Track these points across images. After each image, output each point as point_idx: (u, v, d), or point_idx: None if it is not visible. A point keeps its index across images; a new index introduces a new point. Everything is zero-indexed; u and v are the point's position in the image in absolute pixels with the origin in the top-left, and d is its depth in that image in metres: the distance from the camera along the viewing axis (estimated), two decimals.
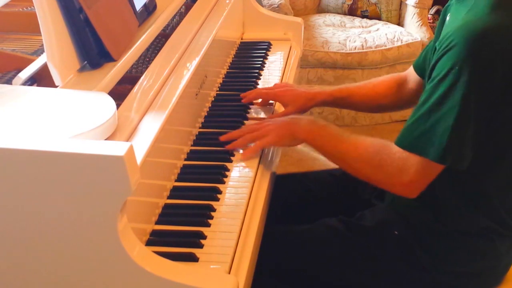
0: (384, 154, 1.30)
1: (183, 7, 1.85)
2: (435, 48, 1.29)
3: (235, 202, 1.30)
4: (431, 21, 3.66)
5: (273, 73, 1.90)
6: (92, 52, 1.30)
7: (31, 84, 1.31)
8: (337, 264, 1.43)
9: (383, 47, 3.21)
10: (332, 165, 1.45)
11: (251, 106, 1.68)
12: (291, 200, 1.63)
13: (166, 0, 1.70)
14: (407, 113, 3.25)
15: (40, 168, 0.97)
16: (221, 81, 1.80)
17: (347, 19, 3.51)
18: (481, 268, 1.41)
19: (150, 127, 1.22)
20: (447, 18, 1.40)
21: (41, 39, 1.21)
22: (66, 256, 1.04)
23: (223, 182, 1.36)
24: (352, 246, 1.43)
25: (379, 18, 3.54)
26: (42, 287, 1.08)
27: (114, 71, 1.30)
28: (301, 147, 1.45)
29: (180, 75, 1.44)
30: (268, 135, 1.43)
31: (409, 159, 1.27)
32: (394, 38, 3.27)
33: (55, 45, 1.22)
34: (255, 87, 1.79)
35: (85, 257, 1.03)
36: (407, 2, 3.44)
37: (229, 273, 1.11)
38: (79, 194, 0.98)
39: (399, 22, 3.53)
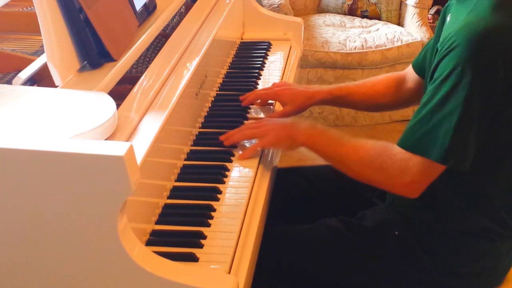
0: (385, 156, 1.30)
1: (183, 7, 1.85)
2: (437, 49, 1.29)
3: (235, 202, 1.30)
4: (431, 21, 3.66)
5: (273, 73, 1.90)
6: (92, 52, 1.30)
7: (31, 84, 1.31)
8: (337, 264, 1.43)
9: (383, 47, 3.21)
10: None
11: (251, 106, 1.68)
12: (292, 194, 1.63)
13: (166, 0, 1.70)
14: (407, 113, 3.26)
15: (40, 168, 0.97)
16: (221, 81, 1.80)
17: (347, 19, 3.51)
18: (481, 269, 1.41)
19: (150, 127, 1.22)
20: (448, 18, 1.40)
21: (41, 39, 1.21)
22: (66, 256, 1.04)
23: (223, 182, 1.36)
24: (352, 246, 1.43)
25: (379, 18, 3.54)
26: (42, 287, 1.08)
27: (114, 71, 1.30)
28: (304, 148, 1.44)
29: (180, 75, 1.44)
30: (267, 136, 1.43)
31: (411, 160, 1.26)
32: (394, 38, 3.27)
33: (55, 45, 1.22)
34: (255, 87, 1.79)
35: (85, 257, 1.03)
36: (407, 2, 3.44)
37: (229, 273, 1.11)
38: (79, 194, 0.98)
39: (399, 22, 3.53)
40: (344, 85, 1.72)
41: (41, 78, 1.32)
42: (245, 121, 1.60)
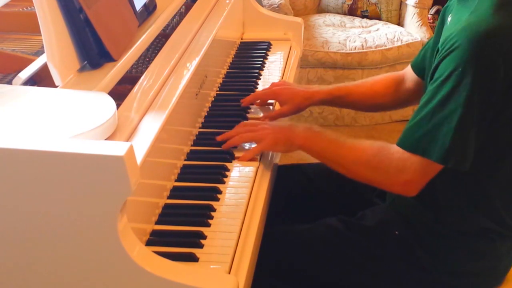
0: (382, 156, 1.31)
1: (183, 7, 1.85)
2: (438, 49, 1.29)
3: (235, 202, 1.30)
4: (431, 21, 3.66)
5: (273, 73, 1.90)
6: (92, 52, 1.30)
7: (31, 84, 1.31)
8: (337, 264, 1.43)
9: (383, 47, 3.21)
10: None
11: (251, 106, 1.68)
12: (292, 191, 1.63)
13: (166, 0, 1.70)
14: (407, 113, 3.26)
15: (40, 168, 0.97)
16: (221, 81, 1.80)
17: (347, 19, 3.51)
18: (481, 268, 1.41)
19: (150, 127, 1.22)
20: (449, 19, 1.40)
21: (41, 39, 1.21)
22: (66, 256, 1.04)
23: (223, 182, 1.36)
24: (352, 246, 1.43)
25: (379, 18, 3.54)
26: (42, 287, 1.08)
27: (114, 71, 1.30)
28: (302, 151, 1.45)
29: (180, 75, 1.44)
30: (265, 140, 1.43)
31: (409, 159, 1.27)
32: (394, 38, 3.27)
33: (55, 45, 1.22)
34: (255, 87, 1.79)
35: (85, 257, 1.03)
36: (407, 2, 3.44)
37: (229, 273, 1.11)
38: (79, 194, 0.98)
39: (399, 22, 3.53)
40: (343, 85, 1.72)
41: (41, 78, 1.32)
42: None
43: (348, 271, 1.43)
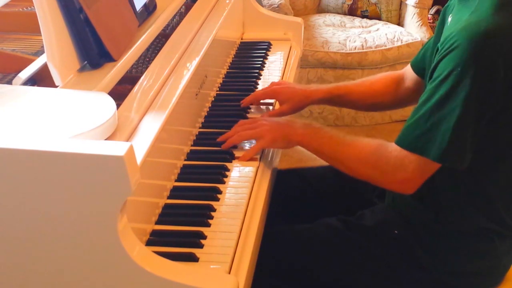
0: (381, 154, 1.31)
1: (183, 7, 1.85)
2: (437, 49, 1.29)
3: (235, 202, 1.30)
4: (431, 21, 3.66)
5: (273, 73, 1.90)
6: (92, 52, 1.30)
7: (31, 84, 1.31)
8: (337, 263, 1.43)
9: (383, 47, 3.21)
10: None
11: (251, 106, 1.68)
12: (292, 195, 1.63)
13: (166, 0, 1.70)
14: (407, 113, 3.25)
15: (40, 168, 0.97)
16: (221, 81, 1.80)
17: (347, 19, 3.51)
18: (481, 268, 1.42)
19: (150, 127, 1.22)
20: (449, 18, 1.40)
21: (41, 39, 1.21)
22: (66, 256, 1.04)
23: (223, 182, 1.36)
24: (352, 246, 1.43)
25: (379, 18, 3.54)
26: (42, 287, 1.08)
27: (114, 71, 1.30)
28: (301, 147, 1.45)
29: (180, 75, 1.44)
30: (264, 137, 1.43)
31: (407, 157, 1.27)
32: (394, 38, 3.27)
33: (55, 45, 1.22)
34: (255, 87, 1.79)
35: (85, 257, 1.03)
36: (407, 2, 3.44)
37: (229, 273, 1.11)
38: (79, 194, 0.98)
39: (399, 22, 3.53)
40: (342, 84, 1.72)
41: (41, 78, 1.32)
42: None
43: (348, 271, 1.43)
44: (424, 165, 1.27)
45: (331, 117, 3.28)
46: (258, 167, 1.43)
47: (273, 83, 1.71)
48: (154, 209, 1.25)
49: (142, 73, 1.41)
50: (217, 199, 1.30)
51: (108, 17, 1.35)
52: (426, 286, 1.41)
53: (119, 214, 0.98)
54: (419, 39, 3.29)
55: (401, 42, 3.25)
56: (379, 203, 1.54)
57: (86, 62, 1.30)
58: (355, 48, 3.19)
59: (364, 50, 3.19)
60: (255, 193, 1.35)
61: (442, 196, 1.36)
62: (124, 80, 1.35)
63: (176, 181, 1.35)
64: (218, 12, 1.84)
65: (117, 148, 0.95)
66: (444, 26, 1.42)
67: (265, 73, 1.90)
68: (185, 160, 1.43)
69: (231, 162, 1.43)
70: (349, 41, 3.23)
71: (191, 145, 1.48)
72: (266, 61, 1.96)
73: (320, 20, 3.49)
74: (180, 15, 1.82)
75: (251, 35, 2.13)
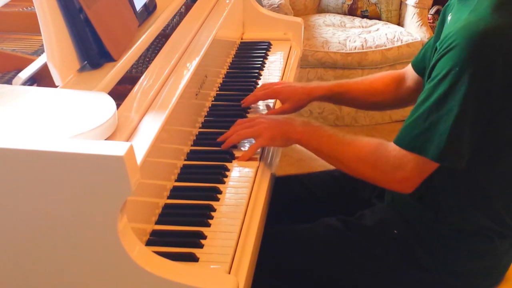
0: (380, 153, 1.31)
1: (183, 7, 1.85)
2: (436, 48, 1.29)
3: (235, 202, 1.30)
4: (431, 21, 3.66)
5: (273, 73, 1.90)
6: (92, 52, 1.30)
7: (31, 84, 1.31)
8: (337, 263, 1.43)
9: (383, 47, 3.21)
10: (331, 166, 1.45)
11: (251, 106, 1.68)
12: (291, 198, 1.63)
13: (166, 0, 1.70)
14: (407, 113, 3.25)
15: (40, 168, 0.97)
16: (221, 81, 1.80)
17: (347, 19, 3.51)
18: (480, 268, 1.42)
19: (150, 127, 1.22)
20: (449, 18, 1.40)
21: (41, 39, 1.21)
22: (66, 256, 1.04)
23: (223, 182, 1.36)
24: (352, 246, 1.43)
25: (379, 18, 3.54)
26: (42, 287, 1.08)
27: (114, 71, 1.30)
28: (301, 147, 1.45)
29: (180, 75, 1.44)
30: (262, 135, 1.43)
31: (406, 157, 1.27)
32: (394, 38, 3.27)
33: (55, 45, 1.22)
34: (255, 87, 1.78)
35: (85, 257, 1.03)
36: (407, 2, 3.44)
37: (229, 273, 1.11)
38: (79, 194, 0.98)
39: (399, 22, 3.53)
40: (343, 82, 1.72)
41: (41, 78, 1.32)
42: None
43: (348, 271, 1.43)
44: (423, 165, 1.27)
45: (331, 117, 3.28)
46: (258, 167, 1.43)
47: (273, 84, 1.71)
48: (154, 209, 1.25)
49: (142, 73, 1.41)
50: (217, 199, 1.30)
51: (108, 17, 1.35)
52: (426, 286, 1.41)
53: (119, 214, 0.98)
54: (419, 39, 3.29)
55: (401, 42, 3.25)
56: (378, 203, 1.54)
57: (86, 62, 1.30)
58: (355, 48, 3.19)
59: (364, 50, 3.19)
60: (255, 193, 1.35)
61: (442, 196, 1.36)
62: (124, 80, 1.35)
63: (176, 181, 1.35)
64: (218, 12, 1.84)
65: (117, 148, 0.95)
66: (444, 26, 1.42)
67: (265, 73, 1.90)
68: (185, 160, 1.43)
69: (231, 162, 1.43)
70: (349, 41, 3.23)
71: (191, 145, 1.48)
72: (266, 61, 1.96)
73: (320, 20, 3.49)
74: (180, 15, 1.82)
75: (251, 35, 2.13)
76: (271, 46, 2.06)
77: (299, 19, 2.19)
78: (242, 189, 1.34)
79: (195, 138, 1.51)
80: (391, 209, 1.47)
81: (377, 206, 1.52)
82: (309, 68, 3.22)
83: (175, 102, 1.32)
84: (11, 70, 1.39)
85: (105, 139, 1.10)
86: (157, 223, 1.24)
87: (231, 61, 1.94)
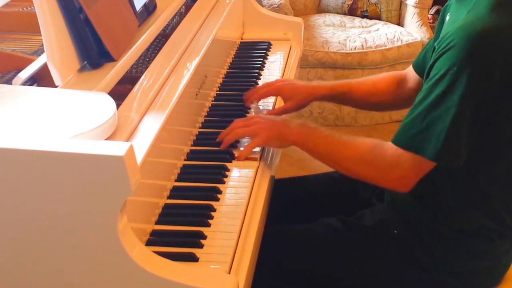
0: (376, 152, 1.31)
1: (183, 7, 1.85)
2: (434, 48, 1.29)
3: (235, 202, 1.30)
4: (431, 21, 3.66)
5: (273, 73, 1.90)
6: (92, 52, 1.30)
7: (31, 84, 1.31)
8: (337, 263, 1.43)
9: (383, 47, 3.22)
10: (330, 168, 1.45)
11: (251, 106, 1.68)
12: (290, 204, 1.63)
13: (166, 0, 1.70)
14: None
15: (40, 168, 0.97)
16: (221, 81, 1.80)
17: (347, 19, 3.52)
18: (480, 268, 1.42)
19: (150, 127, 1.22)
20: (447, 18, 1.40)
21: (41, 39, 1.21)
22: (66, 256, 1.04)
23: (223, 182, 1.36)
24: (352, 246, 1.43)
25: (379, 18, 3.54)
26: (42, 287, 1.08)
27: (114, 71, 1.30)
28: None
29: (180, 75, 1.44)
30: (259, 135, 1.43)
31: (403, 156, 1.27)
32: (394, 38, 3.27)
33: (55, 45, 1.22)
34: (254, 87, 1.78)
35: (85, 257, 1.03)
36: (407, 2, 3.44)
37: (229, 273, 1.11)
38: (79, 194, 0.98)
39: (399, 22, 3.53)
40: (345, 82, 1.72)
41: (41, 78, 1.32)
42: None
43: (348, 271, 1.43)
44: (420, 164, 1.27)
45: (331, 117, 3.28)
46: (258, 167, 1.43)
47: (276, 81, 1.71)
48: (154, 209, 1.25)
49: (142, 73, 1.41)
50: (217, 199, 1.30)
51: (108, 17, 1.35)
52: (426, 286, 1.41)
53: (119, 214, 0.98)
54: (419, 39, 3.29)
55: (401, 42, 3.25)
56: (378, 203, 1.54)
57: (86, 62, 1.30)
58: (355, 48, 3.19)
59: (364, 50, 3.19)
60: (255, 193, 1.35)
61: (442, 196, 1.36)
62: (124, 80, 1.35)
63: (176, 181, 1.35)
64: (218, 12, 1.84)
65: (117, 148, 0.95)
66: (443, 26, 1.42)
67: (265, 73, 1.90)
68: (185, 160, 1.43)
69: (231, 162, 1.43)
70: (349, 41, 3.23)
71: (191, 145, 1.48)
72: (266, 61, 1.97)
73: (320, 20, 3.49)
74: (180, 15, 1.82)
75: (251, 35, 2.13)
76: (271, 46, 2.06)
77: (299, 19, 2.19)
78: (242, 189, 1.34)
79: (195, 138, 1.51)
80: (391, 209, 1.47)
81: (377, 206, 1.52)
82: (309, 68, 3.22)
83: (175, 102, 1.32)
84: (11, 70, 1.39)
85: (105, 139, 1.10)
86: (157, 223, 1.24)
87: (231, 61, 1.94)
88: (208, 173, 1.40)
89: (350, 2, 3.56)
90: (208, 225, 1.22)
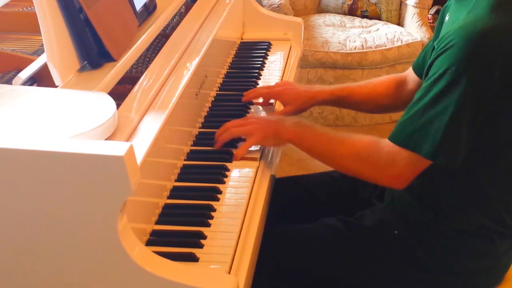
0: (372, 149, 1.31)
1: (183, 7, 1.85)
2: (434, 47, 1.29)
3: (235, 202, 1.30)
4: (431, 21, 3.66)
5: (273, 73, 1.90)
6: (92, 52, 1.30)
7: (31, 84, 1.31)
8: (337, 263, 1.43)
9: (383, 47, 3.22)
10: (329, 167, 1.45)
11: (251, 106, 1.68)
12: (290, 203, 1.63)
13: (166, 0, 1.70)
14: None
15: (40, 168, 0.97)
16: (221, 81, 1.80)
17: (347, 19, 3.52)
18: (481, 268, 1.42)
19: (150, 127, 1.22)
20: (446, 18, 1.40)
21: (41, 39, 1.21)
22: (66, 256, 1.04)
23: (223, 182, 1.36)
24: (352, 246, 1.43)
25: (379, 18, 3.54)
26: (42, 287, 1.08)
27: (114, 71, 1.30)
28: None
29: (180, 75, 1.44)
30: (254, 134, 1.43)
31: (399, 153, 1.27)
32: (394, 38, 3.27)
33: (55, 45, 1.22)
34: (255, 87, 1.78)
35: (85, 257, 1.03)
36: (407, 2, 3.44)
37: (229, 273, 1.11)
38: (79, 194, 0.98)
39: (399, 22, 3.53)
40: (345, 86, 1.72)
41: (41, 78, 1.32)
42: None
43: (348, 271, 1.43)
44: (416, 162, 1.27)
45: (331, 117, 3.28)
46: (258, 167, 1.43)
47: (277, 84, 1.71)
48: (154, 209, 1.25)
49: (142, 73, 1.41)
50: (217, 199, 1.30)
51: (108, 17, 1.35)
52: (426, 286, 1.41)
53: (119, 214, 0.98)
54: (419, 39, 3.29)
55: (401, 42, 3.25)
56: (378, 203, 1.54)
57: (86, 62, 1.30)
58: (355, 48, 3.19)
59: (364, 50, 3.19)
60: (255, 193, 1.35)
61: (442, 196, 1.36)
62: (124, 80, 1.35)
63: (176, 181, 1.35)
64: (218, 12, 1.84)
65: (117, 148, 0.95)
66: (442, 26, 1.43)
67: (265, 73, 1.90)
68: (185, 160, 1.43)
69: (231, 162, 1.43)
70: (349, 41, 3.23)
71: (191, 145, 1.48)
72: (266, 61, 1.96)
73: (320, 20, 3.49)
74: (180, 15, 1.82)
75: (251, 35, 2.13)
76: (271, 46, 2.06)
77: (299, 19, 2.19)
78: (242, 189, 1.34)
79: (195, 138, 1.51)
80: (391, 209, 1.47)
81: (377, 206, 1.52)
82: (309, 68, 3.22)
83: (175, 102, 1.32)
84: (11, 70, 1.39)
85: (105, 139, 1.10)
86: (157, 223, 1.24)
87: (231, 61, 1.94)
88: (208, 173, 1.40)
89: (350, 2, 3.56)
90: (208, 225, 1.22)
